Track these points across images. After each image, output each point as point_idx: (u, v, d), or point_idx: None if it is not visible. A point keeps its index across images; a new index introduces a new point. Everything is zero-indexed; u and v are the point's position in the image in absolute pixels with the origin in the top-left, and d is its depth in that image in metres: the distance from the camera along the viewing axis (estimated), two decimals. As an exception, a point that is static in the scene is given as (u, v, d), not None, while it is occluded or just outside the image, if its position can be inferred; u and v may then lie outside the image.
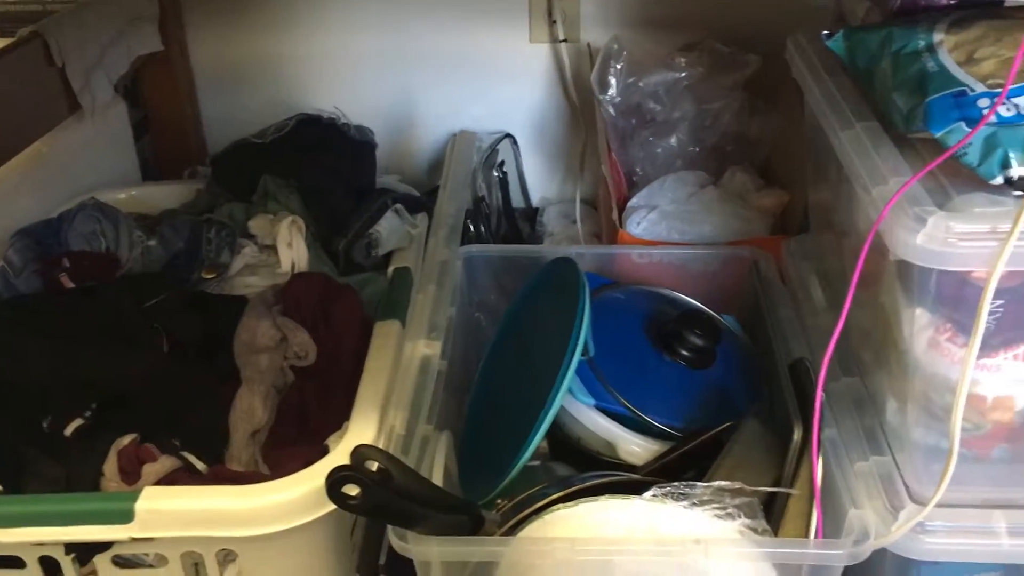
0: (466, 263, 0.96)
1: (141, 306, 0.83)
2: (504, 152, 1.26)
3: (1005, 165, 0.58)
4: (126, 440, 0.72)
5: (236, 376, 0.80)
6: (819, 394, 0.67)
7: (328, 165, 0.97)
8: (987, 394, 0.63)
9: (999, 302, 0.59)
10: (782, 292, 0.92)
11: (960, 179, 0.61)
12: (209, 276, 0.91)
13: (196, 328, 0.83)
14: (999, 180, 0.58)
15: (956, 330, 0.62)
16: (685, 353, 0.86)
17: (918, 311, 0.62)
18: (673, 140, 1.12)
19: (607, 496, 0.68)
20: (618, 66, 1.09)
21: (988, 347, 0.61)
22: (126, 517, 0.64)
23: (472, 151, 1.09)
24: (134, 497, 0.64)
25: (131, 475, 0.71)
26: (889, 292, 0.67)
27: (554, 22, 1.21)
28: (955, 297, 0.60)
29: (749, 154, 1.15)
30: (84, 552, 0.66)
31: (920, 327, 0.63)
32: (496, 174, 1.24)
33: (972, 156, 0.59)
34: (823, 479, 0.70)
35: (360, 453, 0.64)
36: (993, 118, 0.59)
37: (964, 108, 0.61)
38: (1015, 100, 0.60)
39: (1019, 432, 0.66)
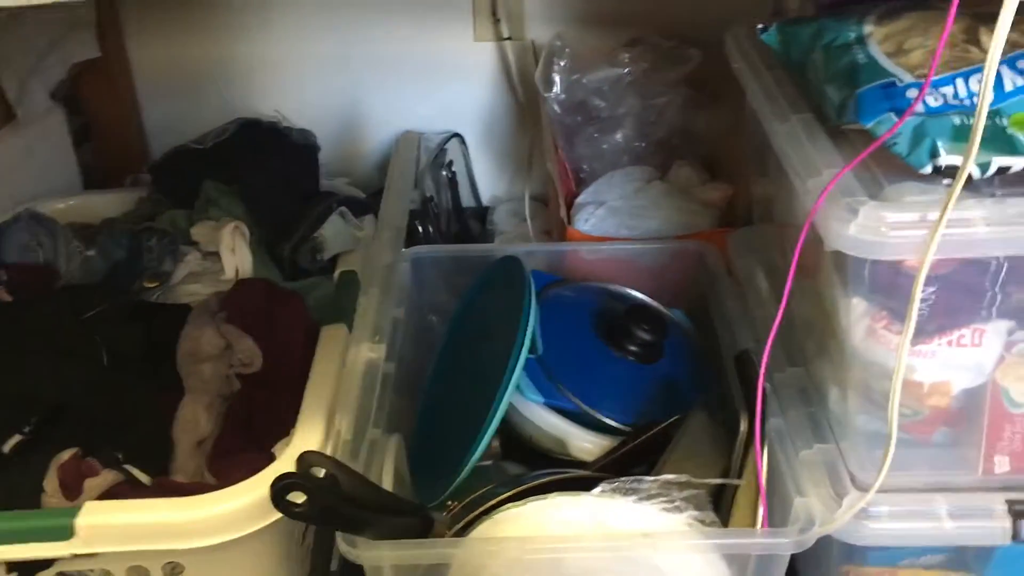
0: (414, 264, 0.96)
1: (80, 318, 0.82)
2: (452, 152, 1.25)
3: (934, 154, 0.59)
4: (67, 455, 0.71)
5: (180, 386, 0.79)
6: (760, 384, 0.67)
7: (270, 169, 0.96)
8: (924, 380, 0.64)
9: (931, 289, 0.60)
10: (728, 285, 0.92)
11: (892, 169, 0.62)
12: (151, 285, 0.90)
13: (137, 338, 0.82)
14: (928, 169, 0.59)
15: (892, 318, 0.63)
16: (633, 348, 0.86)
17: (854, 300, 0.63)
18: (619, 136, 1.12)
19: (556, 494, 0.68)
20: (562, 63, 1.09)
21: (923, 334, 0.62)
22: (66, 533, 0.62)
23: (416, 151, 1.09)
24: (74, 513, 0.63)
25: (73, 490, 0.69)
26: (827, 282, 0.68)
27: (498, 20, 1.21)
28: (889, 285, 0.61)
29: (694, 148, 1.15)
30: (26, 570, 0.65)
31: (857, 316, 0.64)
32: (445, 174, 1.23)
33: (902, 146, 0.60)
34: (770, 468, 0.71)
35: (305, 460, 0.64)
36: (921, 108, 0.60)
37: (893, 99, 0.61)
38: (942, 90, 0.61)
39: (957, 416, 0.67)
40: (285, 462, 0.66)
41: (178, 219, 0.96)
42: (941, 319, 0.61)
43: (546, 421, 0.82)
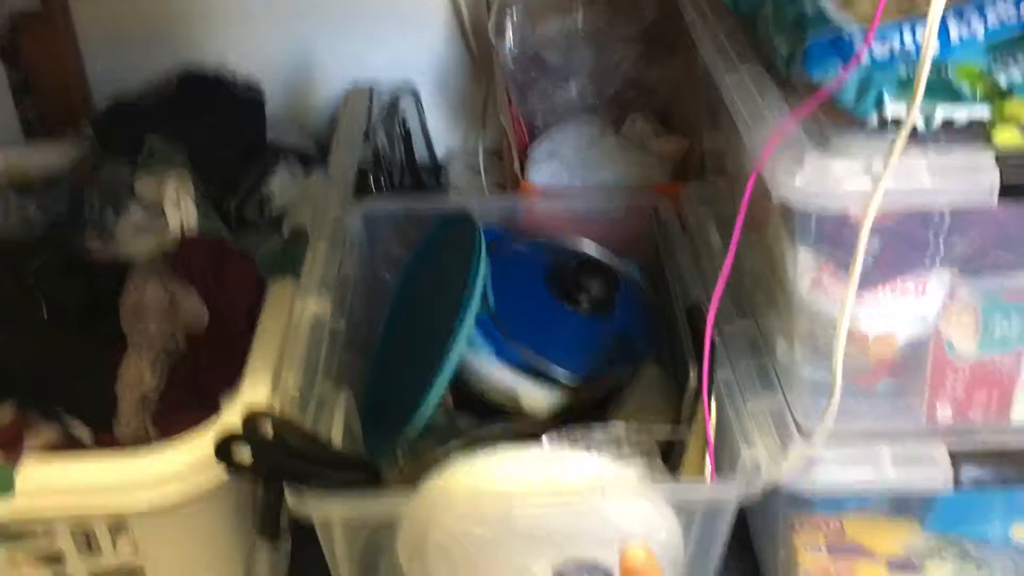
0: (366, 218, 0.95)
1: (18, 272, 0.80)
2: (406, 105, 1.24)
3: (880, 105, 0.59)
4: (5, 411, 0.69)
5: (123, 342, 0.78)
6: (708, 336, 0.68)
7: (214, 121, 0.93)
8: (868, 330, 0.65)
9: (876, 240, 0.60)
10: (681, 238, 0.92)
11: (840, 121, 0.62)
12: (93, 240, 0.88)
13: (78, 293, 0.80)
14: (874, 120, 0.59)
15: (837, 268, 0.63)
16: (585, 302, 0.86)
17: (801, 251, 0.64)
18: (573, 89, 1.11)
19: (505, 446, 0.68)
20: (515, 15, 1.08)
21: (868, 284, 0.62)
22: (5, 489, 0.61)
23: (367, 104, 1.07)
24: (12, 470, 0.61)
25: (12, 447, 0.68)
26: (775, 234, 0.68)
27: (451, -31, 1.19)
28: (835, 236, 0.61)
29: (649, 101, 1.14)
30: (-34, 529, 0.64)
31: (804, 267, 0.64)
32: (398, 127, 1.22)
33: (848, 97, 0.60)
34: (719, 419, 0.72)
35: (250, 415, 0.63)
36: (868, 59, 0.60)
37: (841, 50, 0.61)
38: (889, 40, 0.61)
39: (902, 366, 0.68)
40: (231, 417, 0.66)
41: (121, 173, 0.94)
42: (886, 270, 0.62)
43: (497, 376, 0.82)
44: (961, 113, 0.58)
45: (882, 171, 0.54)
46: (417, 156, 1.25)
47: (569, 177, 1.03)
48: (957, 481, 0.66)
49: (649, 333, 0.87)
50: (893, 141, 0.55)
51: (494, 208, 0.98)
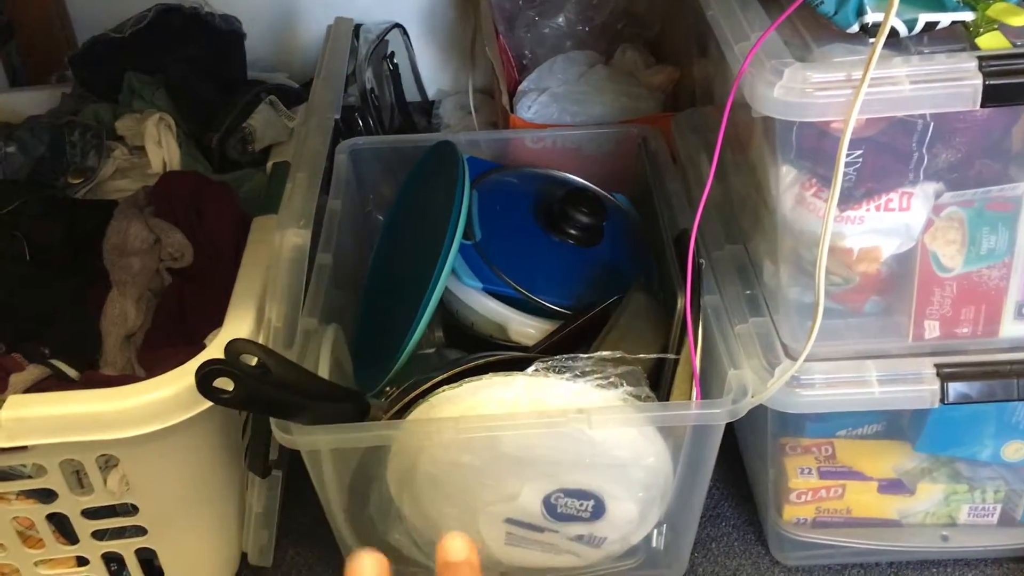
0: (353, 157, 0.94)
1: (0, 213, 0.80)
2: (394, 43, 1.22)
3: (861, 12, 0.57)
4: (-10, 352, 0.70)
5: (107, 281, 0.77)
6: (691, 257, 0.67)
7: (193, 57, 0.91)
8: (853, 246, 0.64)
9: (857, 152, 0.59)
10: (670, 167, 0.91)
11: (823, 33, 0.61)
12: (76, 181, 0.87)
13: (60, 233, 0.79)
14: (855, 28, 0.58)
15: (820, 185, 0.62)
16: (573, 232, 0.86)
17: (784, 168, 0.63)
18: (561, 19, 1.09)
19: (491, 374, 0.68)
20: (500, -57, 1.06)
21: (851, 199, 0.61)
22: (-10, 427, 0.62)
23: (350, 35, 1.04)
24: (-2, 407, 0.62)
25: (-2, 386, 0.68)
26: (758, 153, 0.67)
27: (436, -100, 1.16)
28: (816, 150, 0.60)
29: (639, 31, 1.12)
30: (-44, 468, 0.64)
31: (787, 185, 0.63)
32: (387, 66, 1.20)
33: (828, 5, 0.58)
34: (707, 344, 0.71)
35: (234, 347, 0.63)
36: (848, -35, 0.58)
37: (820, -43, 0.59)
38: (871, -53, 0.59)
39: (887, 283, 0.67)
40: (215, 351, 0.65)
41: (102, 113, 0.93)
42: (869, 183, 0.61)
43: (486, 307, 0.82)
44: (944, 18, 0.56)
45: (861, 78, 0.53)
46: (408, 97, 1.24)
47: (559, 111, 1.02)
48: (944, 397, 0.65)
49: (638, 262, 0.87)
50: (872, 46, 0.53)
51: (484, 143, 0.97)
